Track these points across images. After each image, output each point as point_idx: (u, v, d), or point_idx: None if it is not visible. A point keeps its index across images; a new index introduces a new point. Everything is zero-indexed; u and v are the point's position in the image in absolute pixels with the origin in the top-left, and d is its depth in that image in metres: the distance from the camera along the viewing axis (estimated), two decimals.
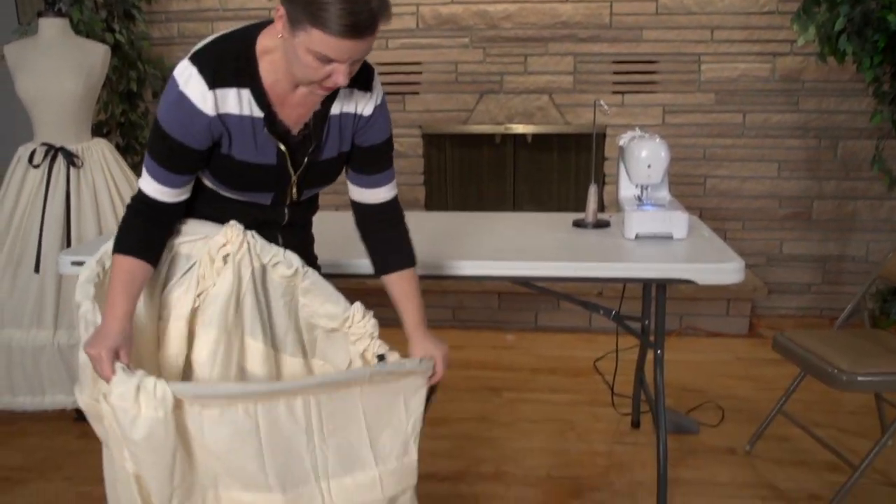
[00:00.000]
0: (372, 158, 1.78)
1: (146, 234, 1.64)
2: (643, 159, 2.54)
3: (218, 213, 1.72)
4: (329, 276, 1.94)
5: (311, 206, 1.88)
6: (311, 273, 1.77)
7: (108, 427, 1.52)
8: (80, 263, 2.38)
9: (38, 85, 3.16)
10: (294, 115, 1.64)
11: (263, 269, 1.71)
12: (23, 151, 3.24)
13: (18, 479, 2.80)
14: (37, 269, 3.10)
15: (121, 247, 1.61)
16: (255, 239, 1.70)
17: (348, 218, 1.87)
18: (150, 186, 1.62)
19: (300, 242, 1.85)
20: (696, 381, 3.56)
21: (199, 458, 1.53)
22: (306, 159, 1.68)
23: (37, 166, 3.18)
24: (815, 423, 3.04)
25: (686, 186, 4.38)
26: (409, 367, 1.67)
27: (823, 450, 2.83)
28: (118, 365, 1.49)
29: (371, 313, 1.79)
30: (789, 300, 4.49)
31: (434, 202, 4.75)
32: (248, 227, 1.73)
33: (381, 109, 1.73)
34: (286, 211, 1.76)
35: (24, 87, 3.18)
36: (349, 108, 1.69)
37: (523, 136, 4.58)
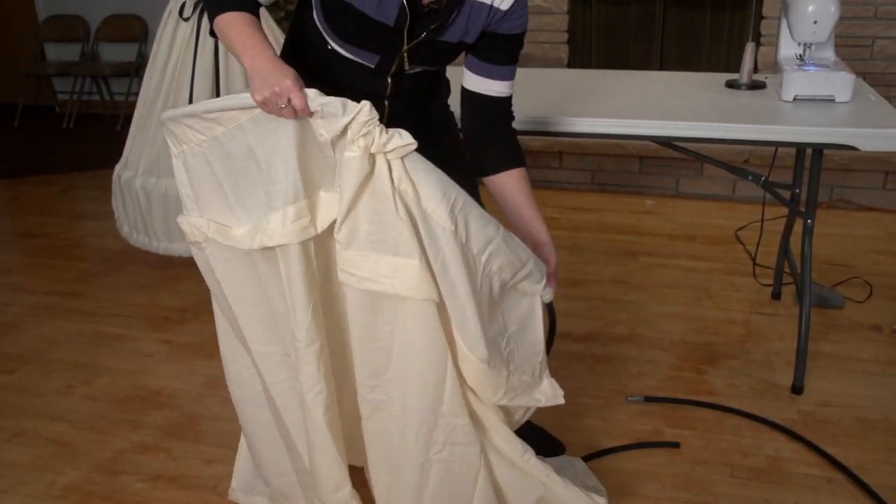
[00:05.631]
0: (502, 47, 1.68)
1: None
2: (809, 14, 2.36)
3: (322, 66, 1.67)
4: None
5: (423, 81, 1.76)
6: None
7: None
8: None
9: None
10: None
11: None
12: (173, 4, 3.32)
13: (177, 319, 3.02)
14: None
15: (225, 6, 1.48)
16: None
17: None
18: None
19: (414, 113, 1.77)
20: (843, 256, 3.41)
21: None
22: (425, 34, 1.60)
23: (187, 19, 3.26)
24: None
25: (850, 49, 4.06)
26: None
27: None
28: (311, 91, 1.39)
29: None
30: None
31: (577, 62, 4.61)
32: (348, 90, 1.62)
33: (520, 3, 1.62)
34: (389, 81, 1.69)
35: None
36: None
37: None
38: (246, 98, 1.40)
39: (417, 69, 1.70)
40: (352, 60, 1.66)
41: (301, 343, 1.51)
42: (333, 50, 1.66)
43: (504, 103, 1.75)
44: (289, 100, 1.36)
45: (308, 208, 1.47)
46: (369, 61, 1.64)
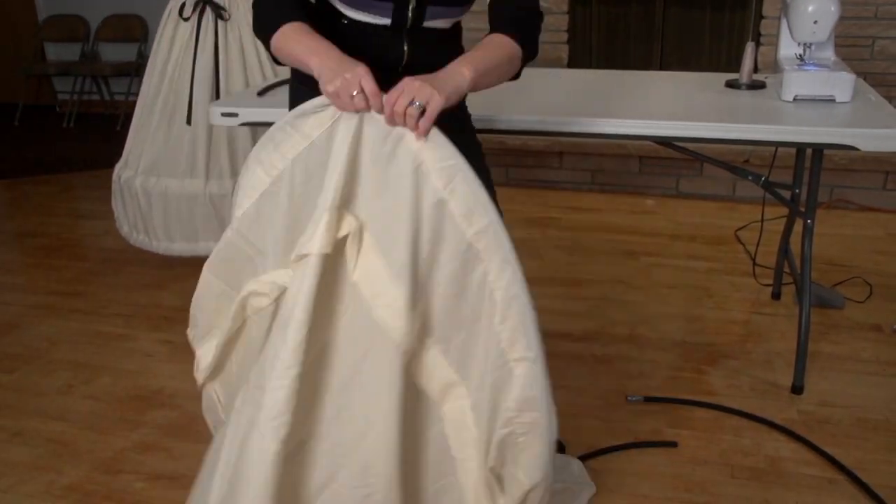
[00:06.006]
0: None
1: (288, 3, 1.55)
2: (809, 14, 2.36)
3: (337, 43, 1.58)
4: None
5: (440, 46, 1.69)
6: None
7: None
8: (229, 115, 2.47)
9: None
10: None
11: None
12: (173, 4, 3.32)
13: (178, 319, 3.01)
14: (188, 121, 3.22)
15: (271, 23, 1.52)
16: None
17: None
18: None
19: None
20: (843, 256, 3.41)
21: None
22: None
23: (186, 19, 3.26)
24: None
25: (850, 49, 4.06)
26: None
27: None
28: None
29: None
30: None
31: (577, 62, 4.61)
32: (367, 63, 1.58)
33: None
34: (405, 46, 1.62)
35: None
36: None
37: None
38: (314, 101, 1.42)
39: (434, 22, 1.63)
40: (367, 24, 1.60)
41: (281, 362, 1.38)
42: (349, 21, 1.60)
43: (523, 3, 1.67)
44: (361, 88, 1.37)
45: (338, 219, 1.42)
46: (384, 15, 1.58)
